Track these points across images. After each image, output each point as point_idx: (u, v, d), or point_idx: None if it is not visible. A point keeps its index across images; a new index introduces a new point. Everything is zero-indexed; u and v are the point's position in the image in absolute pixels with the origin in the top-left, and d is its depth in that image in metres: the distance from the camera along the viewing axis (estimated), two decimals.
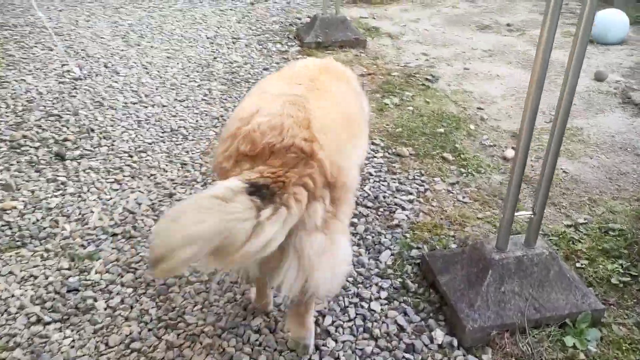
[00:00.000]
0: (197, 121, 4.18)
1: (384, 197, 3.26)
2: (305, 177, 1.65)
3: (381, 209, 3.16)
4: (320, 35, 5.67)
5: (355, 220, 3.01)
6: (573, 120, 4.23)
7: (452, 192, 3.32)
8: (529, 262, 2.32)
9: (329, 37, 5.67)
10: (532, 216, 2.32)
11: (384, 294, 2.51)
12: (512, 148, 3.78)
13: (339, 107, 2.08)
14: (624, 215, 3.09)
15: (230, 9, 7.01)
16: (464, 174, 3.50)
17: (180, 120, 4.18)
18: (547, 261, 2.34)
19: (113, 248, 2.81)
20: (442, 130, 4.04)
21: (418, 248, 2.81)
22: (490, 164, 3.62)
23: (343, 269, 1.87)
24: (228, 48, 5.67)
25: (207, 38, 5.93)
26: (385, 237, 2.91)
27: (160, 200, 3.21)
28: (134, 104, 4.40)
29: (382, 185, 3.39)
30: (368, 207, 3.16)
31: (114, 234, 2.91)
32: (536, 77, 1.99)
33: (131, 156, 3.65)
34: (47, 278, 2.58)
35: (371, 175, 3.48)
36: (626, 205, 3.18)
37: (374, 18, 6.89)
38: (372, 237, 2.92)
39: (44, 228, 2.92)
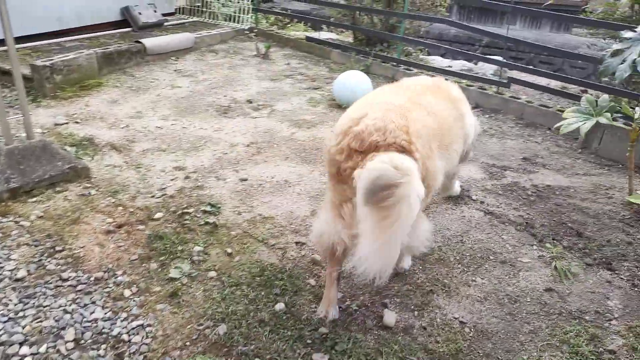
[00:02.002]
0: None
1: None
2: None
3: None
4: (12, 177, 3.62)
5: None
6: None
7: None
8: None
9: (29, 177, 3.68)
10: None
11: None
12: (386, 306, 2.74)
13: (430, 121, 2.49)
14: None
15: None
16: None
17: None
18: None
19: None
20: (282, 305, 2.72)
21: None
22: (380, 349, 2.49)
23: (424, 236, 2.52)
24: None
25: None
26: None
27: None
28: None
29: None
30: None
31: None
32: None
33: None
34: None
35: None
36: None
37: (77, 122, 4.95)
38: None
39: None
